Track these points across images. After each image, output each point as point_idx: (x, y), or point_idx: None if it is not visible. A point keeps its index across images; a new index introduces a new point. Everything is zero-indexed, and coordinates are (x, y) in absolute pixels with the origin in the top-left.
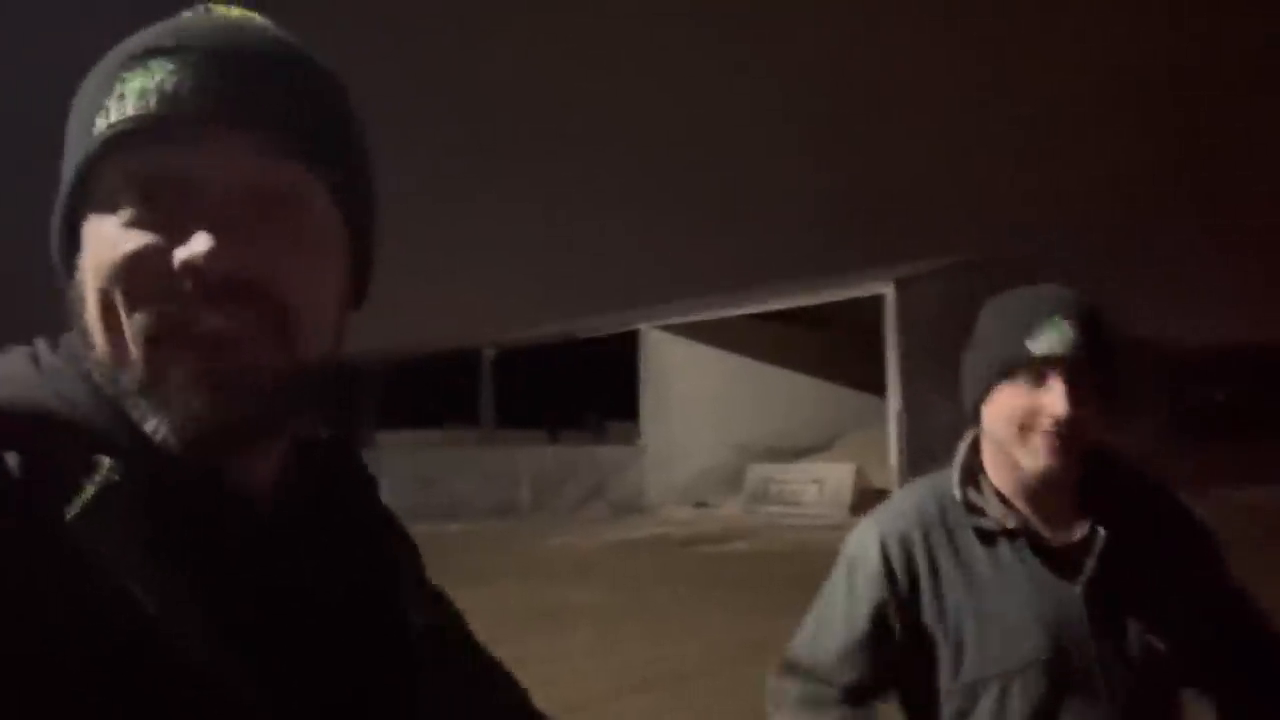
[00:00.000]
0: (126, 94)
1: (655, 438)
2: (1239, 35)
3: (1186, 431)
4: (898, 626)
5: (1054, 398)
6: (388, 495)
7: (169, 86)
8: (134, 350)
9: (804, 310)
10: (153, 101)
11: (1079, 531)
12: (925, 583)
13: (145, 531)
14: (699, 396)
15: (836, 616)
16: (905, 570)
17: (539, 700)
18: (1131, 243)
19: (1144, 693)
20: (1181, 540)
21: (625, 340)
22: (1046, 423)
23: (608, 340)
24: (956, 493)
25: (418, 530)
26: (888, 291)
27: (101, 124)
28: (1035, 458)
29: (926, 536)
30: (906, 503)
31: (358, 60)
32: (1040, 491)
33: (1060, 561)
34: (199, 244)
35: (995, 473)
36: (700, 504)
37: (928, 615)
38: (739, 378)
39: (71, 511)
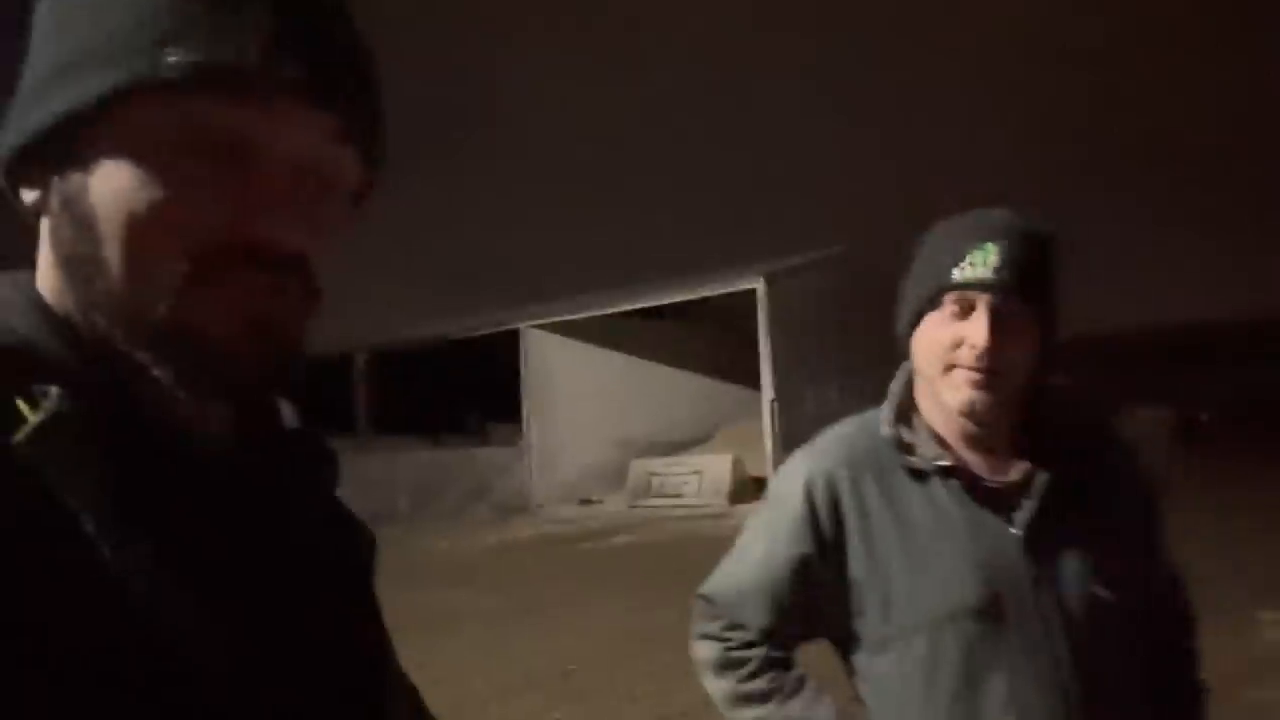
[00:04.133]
0: (191, 32)
1: (537, 437)
2: (1094, 30)
3: None
4: (820, 575)
5: (976, 327)
6: None
7: (248, 37)
8: (170, 292)
9: (680, 306)
10: (229, 51)
11: (1017, 472)
12: (853, 526)
13: (94, 465)
14: (580, 394)
15: (754, 558)
16: (830, 514)
17: (426, 703)
18: None
19: (1086, 641)
20: (1125, 485)
21: (504, 340)
22: (967, 355)
23: (486, 341)
24: (886, 430)
25: None
26: (758, 286)
27: (166, 56)
28: (956, 392)
29: (855, 477)
30: (835, 441)
31: None
32: (974, 429)
33: (997, 503)
34: (270, 217)
35: (928, 409)
36: (585, 501)
37: (854, 561)
38: (619, 374)
39: (16, 438)
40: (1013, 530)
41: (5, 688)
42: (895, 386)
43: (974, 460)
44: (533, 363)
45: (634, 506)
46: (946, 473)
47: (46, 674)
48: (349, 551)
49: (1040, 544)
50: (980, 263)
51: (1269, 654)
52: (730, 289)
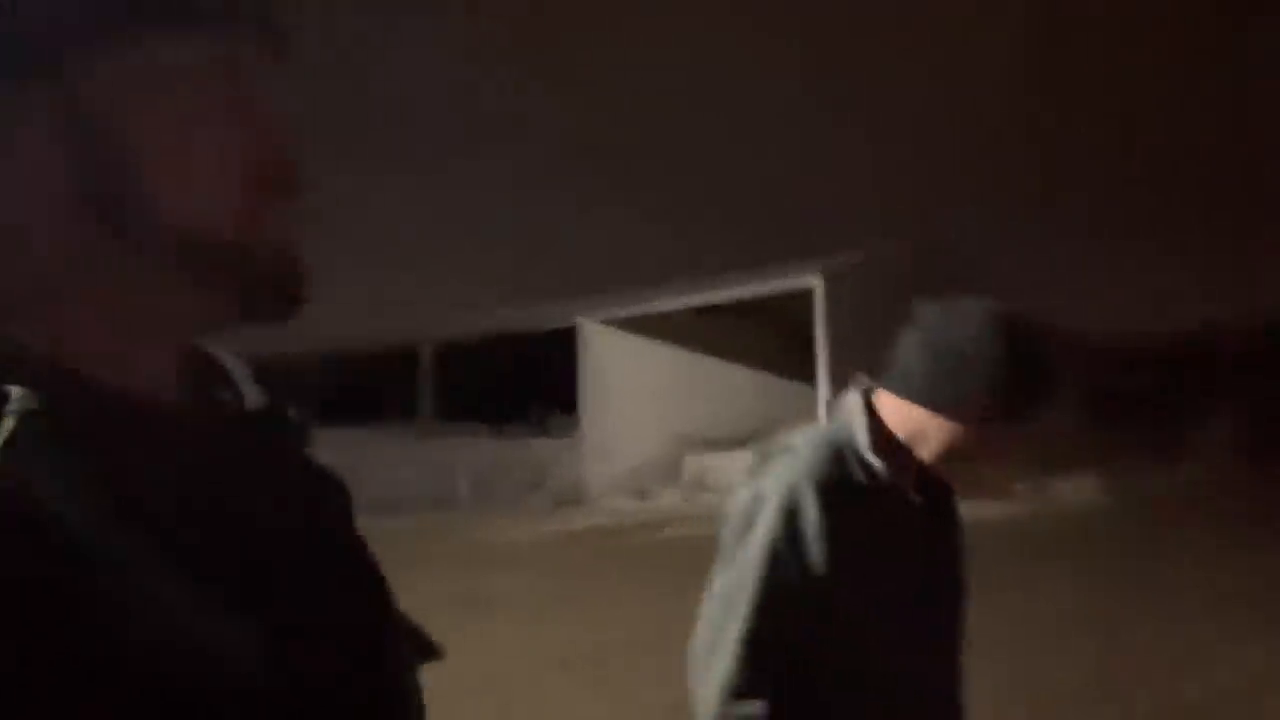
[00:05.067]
0: None
1: (595, 430)
2: (1147, 25)
3: (1099, 417)
4: (802, 582)
5: (1004, 453)
6: None
7: None
8: (233, 218)
9: (739, 303)
10: None
11: (920, 491)
12: (831, 533)
13: (75, 461)
14: (638, 388)
15: (791, 578)
16: (837, 516)
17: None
18: (1054, 233)
19: (959, 620)
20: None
21: (565, 334)
22: (981, 459)
23: (548, 334)
24: (872, 460)
25: None
26: (816, 284)
27: None
28: (952, 465)
29: (839, 485)
30: (819, 456)
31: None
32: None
33: (920, 514)
34: (291, 148)
35: (903, 435)
36: (640, 494)
37: (830, 564)
38: (677, 369)
39: None
40: (925, 535)
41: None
42: (861, 414)
43: (905, 480)
44: (591, 357)
45: (688, 501)
46: (897, 489)
47: (61, 692)
48: (331, 504)
49: (940, 547)
50: (1045, 414)
51: None
52: (788, 286)
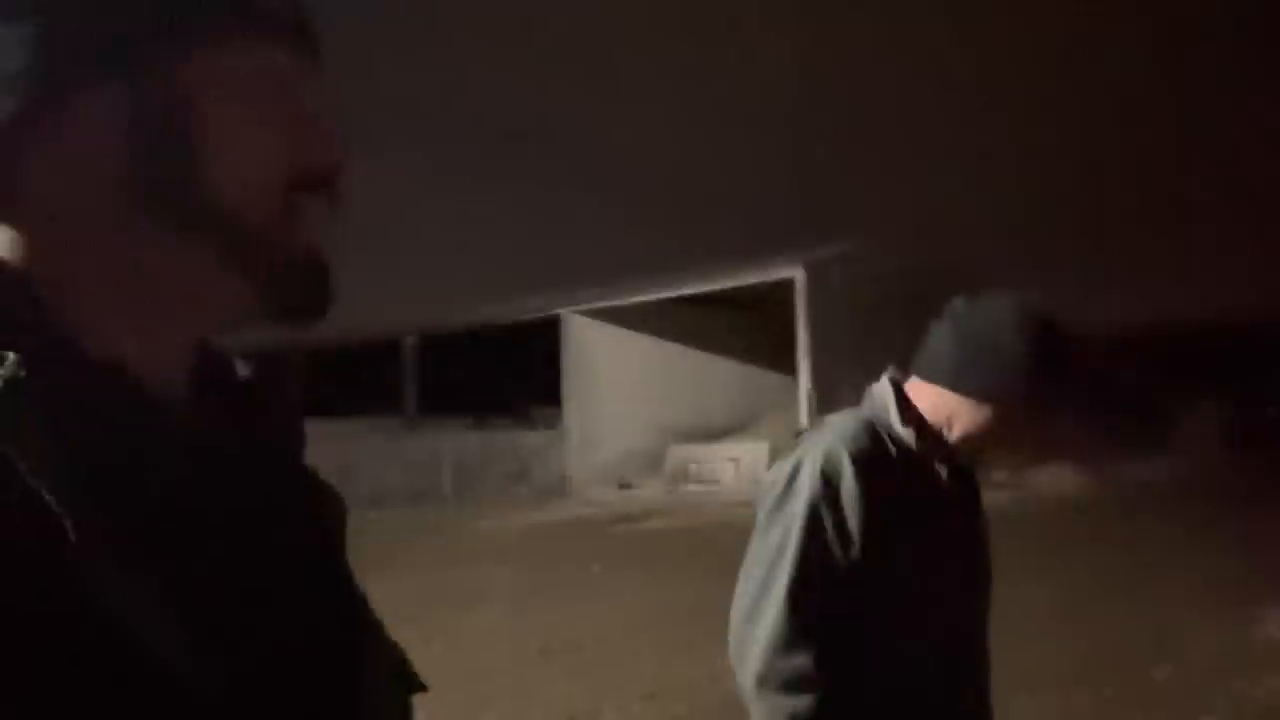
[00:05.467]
0: None
1: (578, 421)
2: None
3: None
4: (846, 553)
5: (1028, 443)
6: None
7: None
8: (278, 213)
9: (722, 294)
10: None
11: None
12: (869, 506)
13: (56, 433)
14: (621, 380)
15: (833, 545)
16: (871, 484)
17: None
18: (1039, 227)
19: (984, 597)
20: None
21: (548, 325)
22: (1007, 444)
23: (529, 325)
24: (903, 433)
25: None
26: (798, 275)
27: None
28: (976, 459)
29: (872, 456)
30: (854, 429)
31: None
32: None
33: (948, 492)
34: (339, 148)
35: (932, 419)
36: (623, 486)
37: (870, 535)
38: (660, 361)
39: None
40: (953, 508)
41: None
42: (891, 399)
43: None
44: (574, 348)
45: (671, 492)
46: (925, 464)
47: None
48: (318, 513)
49: (966, 518)
50: (1055, 407)
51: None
52: (770, 277)
